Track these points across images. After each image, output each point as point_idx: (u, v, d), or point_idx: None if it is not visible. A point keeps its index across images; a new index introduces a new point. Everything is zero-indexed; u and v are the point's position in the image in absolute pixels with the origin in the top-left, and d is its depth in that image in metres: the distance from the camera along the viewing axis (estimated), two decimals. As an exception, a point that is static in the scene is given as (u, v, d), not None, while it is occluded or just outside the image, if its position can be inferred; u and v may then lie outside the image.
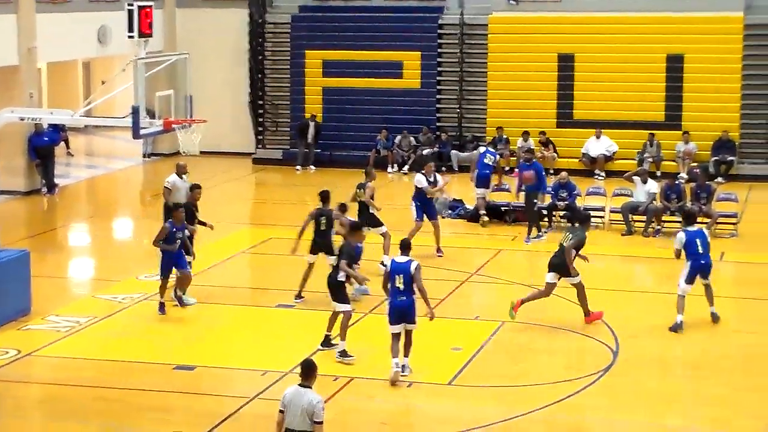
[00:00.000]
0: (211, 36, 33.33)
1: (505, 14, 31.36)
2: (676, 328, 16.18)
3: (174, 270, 17.17)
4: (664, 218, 23.05)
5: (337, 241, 16.89)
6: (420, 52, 31.64)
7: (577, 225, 17.38)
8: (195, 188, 18.80)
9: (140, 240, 24.12)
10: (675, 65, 29.84)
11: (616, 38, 30.39)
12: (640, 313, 17.40)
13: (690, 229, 16.61)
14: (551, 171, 28.31)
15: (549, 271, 16.51)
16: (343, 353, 14.79)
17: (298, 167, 31.37)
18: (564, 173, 23.90)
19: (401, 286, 13.95)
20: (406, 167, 30.70)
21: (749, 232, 22.89)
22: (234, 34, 33.23)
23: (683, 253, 16.48)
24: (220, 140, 32.11)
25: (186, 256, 17.43)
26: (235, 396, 13.74)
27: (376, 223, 19.55)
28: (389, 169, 30.78)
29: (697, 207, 22.62)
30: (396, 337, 14.04)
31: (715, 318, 16.65)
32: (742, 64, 29.58)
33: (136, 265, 20.34)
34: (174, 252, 17.03)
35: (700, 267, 16.44)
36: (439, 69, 31.85)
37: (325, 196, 18.14)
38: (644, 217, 22.81)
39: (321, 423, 10.02)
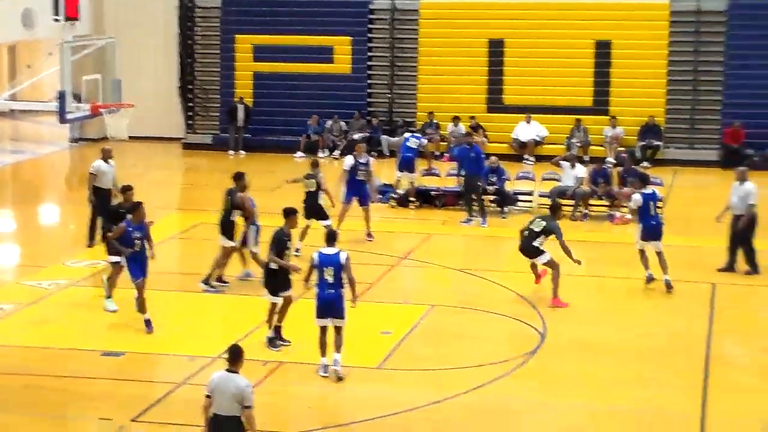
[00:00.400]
0: (140, 20, 32.96)
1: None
2: (648, 280, 17.60)
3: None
4: (591, 202, 23.33)
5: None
6: (351, 37, 31.62)
7: (548, 214, 17.49)
8: (126, 190, 16.99)
9: (67, 225, 23.85)
10: (603, 51, 30.20)
11: (546, 24, 30.65)
12: (567, 296, 17.59)
13: (645, 191, 17.68)
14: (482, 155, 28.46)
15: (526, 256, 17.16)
16: (271, 341, 14.66)
17: (231, 152, 31.20)
18: (493, 158, 24.08)
19: (330, 279, 13.50)
20: (337, 152, 30.70)
21: (675, 216, 23.19)
22: (163, 18, 32.89)
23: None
24: (149, 125, 31.85)
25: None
26: (164, 381, 13.67)
27: (323, 215, 19.36)
28: (320, 154, 30.72)
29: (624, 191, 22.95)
30: (323, 330, 13.79)
31: (668, 286, 17.47)
32: (668, 50, 30.01)
33: (62, 250, 20.11)
34: (127, 255, 15.36)
35: (651, 228, 17.52)
36: (369, 54, 31.86)
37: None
38: (572, 201, 23.06)
39: (251, 407, 10.02)
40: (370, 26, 31.88)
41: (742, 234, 18.51)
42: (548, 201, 23.17)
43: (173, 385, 13.45)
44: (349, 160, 20.97)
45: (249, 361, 13.85)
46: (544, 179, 24.26)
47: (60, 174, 30.52)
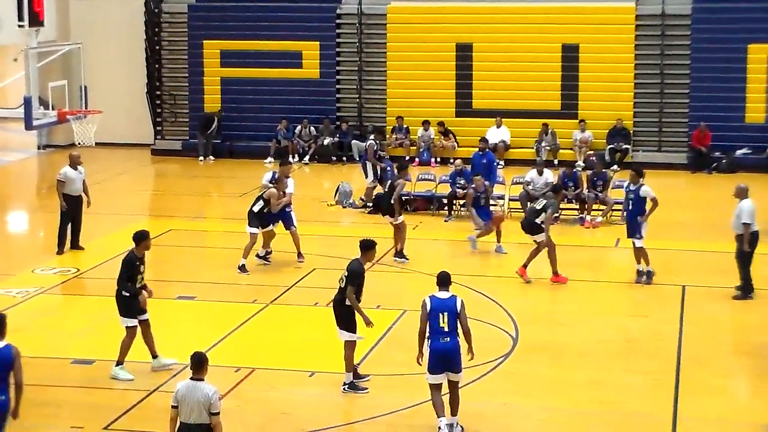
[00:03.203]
0: (106, 25, 32.81)
1: (404, 4, 31.51)
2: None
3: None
4: (561, 206, 23.39)
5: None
6: (319, 42, 31.58)
7: (550, 194, 18.61)
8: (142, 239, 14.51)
9: (36, 233, 23.68)
10: (570, 55, 30.31)
11: (513, 28, 30.74)
12: (538, 299, 17.67)
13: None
14: (451, 160, 28.53)
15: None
16: (352, 385, 13.52)
17: (201, 158, 31.11)
18: (459, 161, 24.09)
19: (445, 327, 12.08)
20: (306, 158, 30.67)
21: (643, 219, 23.35)
22: (130, 24, 32.73)
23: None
24: (118, 131, 31.68)
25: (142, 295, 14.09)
26: (135, 389, 13.58)
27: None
28: (290, 160, 30.67)
29: (594, 194, 23.08)
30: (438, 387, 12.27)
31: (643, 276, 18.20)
32: (635, 53, 30.18)
33: (32, 258, 19.95)
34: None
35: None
36: (338, 59, 31.85)
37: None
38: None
39: (218, 414, 10.01)
40: (338, 31, 31.86)
41: (741, 254, 17.34)
42: (518, 204, 23.33)
43: (145, 393, 13.37)
44: (267, 176, 19.81)
45: (222, 368, 13.90)
46: (514, 183, 24.32)
47: (28, 181, 30.30)
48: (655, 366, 14.53)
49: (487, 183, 21.54)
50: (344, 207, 24.60)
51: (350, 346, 13.44)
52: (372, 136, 25.20)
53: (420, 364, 12.19)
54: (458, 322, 12.05)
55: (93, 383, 13.87)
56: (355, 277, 13.32)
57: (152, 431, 12.22)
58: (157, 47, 32.68)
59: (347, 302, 13.31)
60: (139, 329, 14.02)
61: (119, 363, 13.99)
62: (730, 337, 15.64)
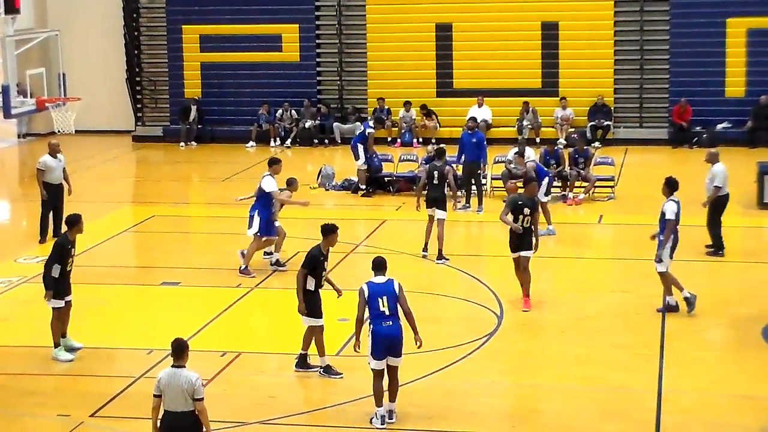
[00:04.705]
0: (84, 12, 32.64)
1: (383, -15, 31.43)
2: (671, 308, 15.55)
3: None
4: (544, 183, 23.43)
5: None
6: (298, 25, 31.48)
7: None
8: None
9: (18, 222, 23.61)
10: (550, 32, 30.31)
11: (492, 6, 30.68)
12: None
13: (675, 199, 15.57)
14: (432, 141, 28.59)
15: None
16: (328, 369, 13.48)
17: (182, 144, 31.02)
18: (430, 147, 24.13)
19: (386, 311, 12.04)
20: (288, 141, 30.63)
21: (626, 195, 23.48)
22: (108, 10, 32.57)
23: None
24: (98, 118, 31.58)
25: None
26: (121, 376, 13.58)
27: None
28: (272, 144, 30.67)
29: (576, 171, 23.13)
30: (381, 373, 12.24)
31: (691, 303, 15.61)
32: (614, 30, 30.20)
33: (14, 247, 19.89)
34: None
35: (676, 242, 15.53)
36: (317, 41, 31.77)
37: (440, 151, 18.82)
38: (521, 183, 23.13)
39: (202, 399, 10.01)
40: (317, 13, 31.75)
41: (712, 218, 18.39)
42: (501, 183, 23.37)
43: (131, 379, 13.37)
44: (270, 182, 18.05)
45: (208, 352, 13.92)
46: (496, 162, 24.35)
47: (9, 170, 30.16)
48: (638, 340, 14.61)
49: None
50: (327, 189, 24.61)
51: (318, 330, 13.35)
52: (371, 123, 25.05)
53: (357, 351, 12.15)
54: (398, 305, 12.01)
55: (78, 371, 13.86)
56: (309, 261, 13.22)
57: (138, 417, 12.23)
58: (136, 33, 32.53)
59: (309, 287, 13.24)
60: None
61: (56, 345, 14.14)
62: (712, 309, 15.73)
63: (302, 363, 13.58)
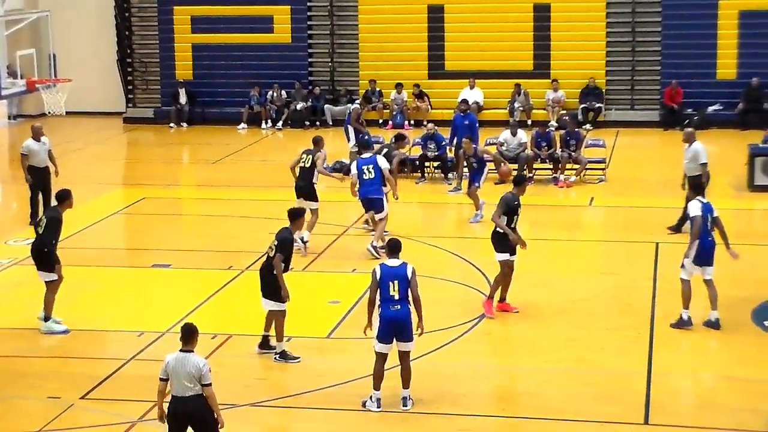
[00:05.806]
0: (75, -7, 32.47)
1: (374, -34, 31.32)
2: (684, 323, 14.35)
3: None
4: (535, 166, 23.48)
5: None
6: (290, 6, 31.37)
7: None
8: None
9: (8, 204, 23.55)
10: (542, 14, 30.24)
11: (484, -11, 30.63)
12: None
13: (702, 199, 14.52)
14: (424, 123, 28.51)
15: None
16: (284, 354, 13.42)
17: (172, 125, 30.94)
18: (431, 125, 24.07)
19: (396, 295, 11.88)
20: (279, 123, 30.57)
21: (617, 177, 23.49)
22: (98, -9, 32.43)
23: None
24: (89, 100, 31.45)
25: None
26: (112, 358, 13.57)
27: (312, 196, 18.13)
28: (263, 125, 30.61)
29: (567, 154, 23.13)
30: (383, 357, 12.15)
31: (716, 325, 14.44)
32: (606, 11, 30.16)
33: (4, 230, 19.83)
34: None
35: (707, 248, 14.35)
36: (309, 23, 31.67)
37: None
38: (516, 166, 23.16)
39: (210, 385, 9.98)
40: (308, -6, 31.68)
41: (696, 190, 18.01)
42: (492, 165, 23.34)
43: (121, 362, 13.37)
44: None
45: (199, 334, 13.88)
46: (487, 144, 24.32)
47: (0, 152, 30.08)
48: (629, 322, 14.64)
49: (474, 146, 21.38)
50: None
51: (280, 315, 13.25)
52: (358, 100, 24.95)
53: (366, 335, 12.11)
54: (408, 289, 11.87)
55: (69, 353, 13.85)
56: (285, 246, 13.14)
57: (129, 400, 12.23)
58: (127, 14, 32.39)
59: (275, 271, 13.13)
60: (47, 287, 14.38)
61: (47, 318, 14.31)
62: (703, 291, 15.74)
63: (265, 344, 13.55)
